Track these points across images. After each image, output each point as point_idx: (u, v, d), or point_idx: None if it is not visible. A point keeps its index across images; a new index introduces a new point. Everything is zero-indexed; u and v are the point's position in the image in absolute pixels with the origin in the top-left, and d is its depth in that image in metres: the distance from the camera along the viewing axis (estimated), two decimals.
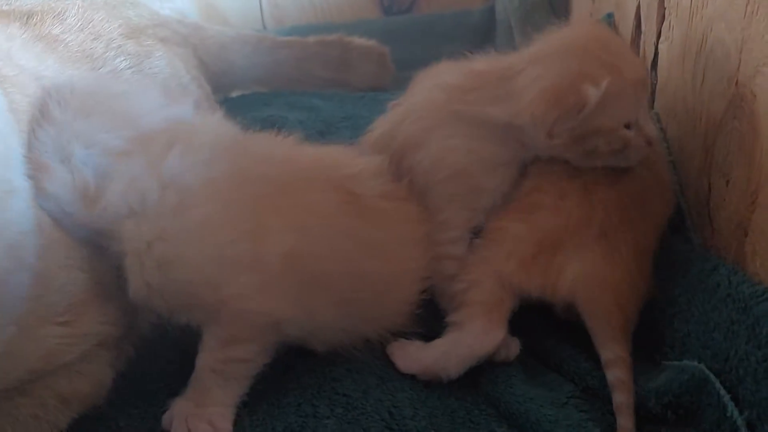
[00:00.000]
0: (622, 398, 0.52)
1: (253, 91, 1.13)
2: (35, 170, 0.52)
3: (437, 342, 0.56)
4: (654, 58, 0.74)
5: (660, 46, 0.72)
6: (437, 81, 0.63)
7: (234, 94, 1.14)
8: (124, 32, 0.77)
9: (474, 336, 0.55)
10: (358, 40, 1.13)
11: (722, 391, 0.48)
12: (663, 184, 0.61)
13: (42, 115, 0.54)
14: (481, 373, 0.56)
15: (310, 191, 0.56)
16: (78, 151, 0.52)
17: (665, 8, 0.70)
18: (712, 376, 0.48)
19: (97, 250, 0.56)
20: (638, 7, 0.79)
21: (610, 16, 0.89)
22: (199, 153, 0.54)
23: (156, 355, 0.58)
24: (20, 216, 0.50)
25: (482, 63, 0.63)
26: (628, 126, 0.56)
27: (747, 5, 0.52)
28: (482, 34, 1.24)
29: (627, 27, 0.83)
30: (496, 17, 1.22)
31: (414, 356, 0.56)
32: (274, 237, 0.52)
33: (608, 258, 0.56)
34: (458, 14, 1.25)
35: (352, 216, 0.56)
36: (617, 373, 0.53)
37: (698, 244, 0.61)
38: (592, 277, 0.56)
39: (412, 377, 0.55)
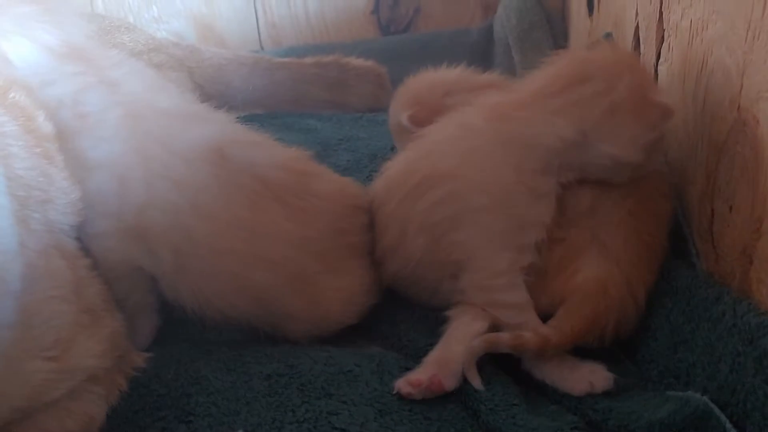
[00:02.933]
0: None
1: (250, 113, 1.12)
2: None
3: None
4: (655, 79, 0.73)
5: (659, 67, 0.71)
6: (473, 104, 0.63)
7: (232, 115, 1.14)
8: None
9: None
10: (355, 61, 1.12)
11: (728, 425, 0.47)
12: (664, 182, 0.63)
13: None
14: (481, 402, 0.55)
15: None
16: None
17: (664, 29, 0.70)
18: (716, 409, 0.47)
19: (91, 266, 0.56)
20: (637, 28, 0.78)
21: (608, 35, 0.88)
22: None
23: (149, 389, 0.56)
24: (4, 234, 0.48)
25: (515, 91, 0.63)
26: None
27: (748, 30, 0.51)
28: (480, 52, 1.23)
29: (625, 47, 0.82)
30: (494, 36, 1.21)
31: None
32: None
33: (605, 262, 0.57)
34: (456, 33, 1.24)
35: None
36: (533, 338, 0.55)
37: (702, 271, 0.59)
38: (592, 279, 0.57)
39: (410, 409, 0.54)
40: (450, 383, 0.55)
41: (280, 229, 0.59)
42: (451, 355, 0.57)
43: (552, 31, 1.14)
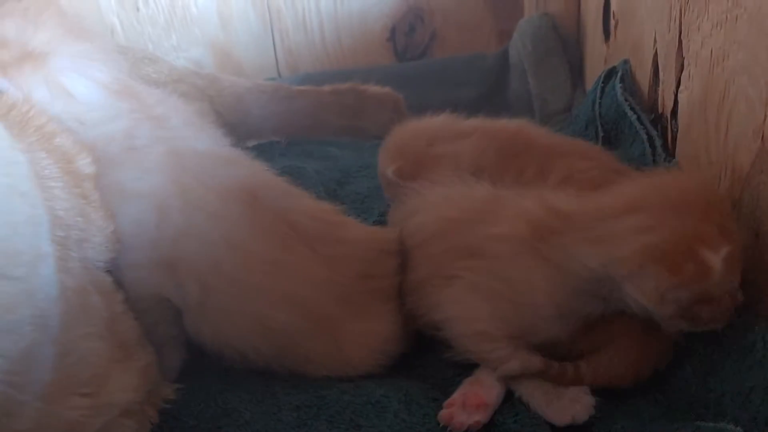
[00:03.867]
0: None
1: (269, 140, 1.13)
2: None
3: None
4: (674, 107, 0.73)
5: (680, 95, 0.72)
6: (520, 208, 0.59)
7: (250, 143, 1.15)
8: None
9: None
10: (373, 88, 1.14)
11: None
12: None
13: None
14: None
15: None
16: None
17: (684, 57, 0.70)
18: None
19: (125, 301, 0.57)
20: (655, 55, 0.78)
21: (626, 62, 0.89)
22: None
23: (179, 420, 0.57)
24: (48, 283, 0.49)
25: (568, 201, 0.57)
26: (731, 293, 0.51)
27: None
28: (496, 77, 1.24)
29: (643, 74, 0.83)
30: (510, 61, 1.22)
31: None
32: None
33: None
34: (472, 58, 1.25)
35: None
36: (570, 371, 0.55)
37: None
38: None
39: None
40: (488, 396, 0.56)
41: (307, 271, 0.60)
42: (483, 376, 0.57)
43: (568, 56, 1.14)
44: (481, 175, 0.66)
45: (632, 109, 0.80)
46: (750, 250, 0.57)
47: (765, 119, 0.53)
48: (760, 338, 0.50)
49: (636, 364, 0.56)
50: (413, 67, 1.27)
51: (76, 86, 0.60)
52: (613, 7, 0.96)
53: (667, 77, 0.75)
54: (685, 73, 0.70)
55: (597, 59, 1.06)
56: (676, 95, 0.73)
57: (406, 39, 1.29)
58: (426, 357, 0.63)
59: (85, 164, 0.58)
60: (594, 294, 0.54)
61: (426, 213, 0.65)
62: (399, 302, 0.64)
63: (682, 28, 0.70)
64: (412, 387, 0.60)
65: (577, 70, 1.15)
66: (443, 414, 0.55)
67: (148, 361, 0.58)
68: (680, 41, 0.71)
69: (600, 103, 0.87)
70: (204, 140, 0.67)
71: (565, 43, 1.15)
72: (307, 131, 1.13)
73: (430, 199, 0.65)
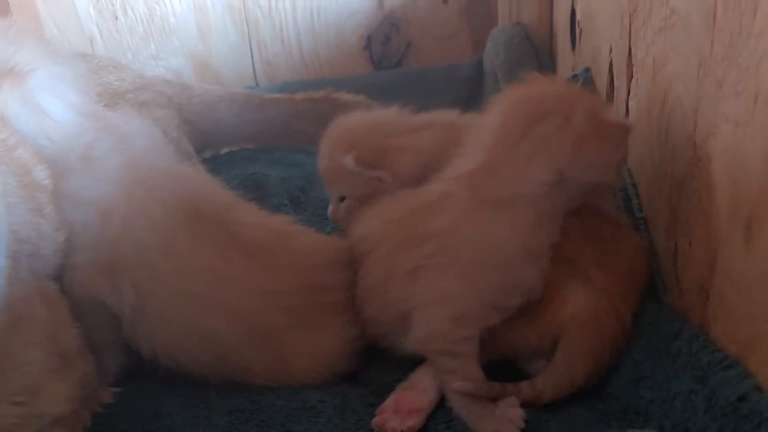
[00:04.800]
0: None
1: (241, 148, 1.14)
2: None
3: None
4: (626, 114, 0.73)
5: (630, 102, 0.72)
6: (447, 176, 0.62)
7: (224, 150, 1.16)
8: (102, 100, 0.79)
9: None
10: (346, 96, 1.14)
11: None
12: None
13: None
14: None
15: None
16: None
17: (633, 65, 0.70)
18: None
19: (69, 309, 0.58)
20: (611, 63, 0.79)
21: (587, 70, 0.89)
22: None
23: (112, 425, 0.57)
24: None
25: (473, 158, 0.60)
26: None
27: (699, 67, 0.52)
28: (471, 87, 1.25)
29: (602, 81, 0.83)
30: (484, 70, 1.22)
31: None
32: None
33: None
34: (447, 68, 1.26)
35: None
36: (526, 389, 0.56)
37: (667, 306, 0.59)
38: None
39: None
40: (421, 401, 0.56)
41: (246, 281, 0.60)
42: (417, 380, 0.57)
43: (540, 65, 1.15)
44: (439, 169, 0.66)
45: None
46: (685, 258, 0.57)
47: (695, 127, 0.53)
48: (686, 345, 0.50)
49: (594, 355, 0.56)
50: (389, 75, 1.28)
51: (50, 105, 0.62)
52: (578, 15, 0.97)
53: (620, 84, 0.76)
54: (633, 80, 0.70)
55: (566, 67, 1.06)
56: (627, 102, 0.73)
57: (382, 48, 1.30)
58: (367, 362, 0.63)
59: (41, 176, 0.60)
60: (549, 208, 0.57)
61: (368, 221, 0.65)
62: (350, 317, 0.64)
63: (632, 35, 0.70)
64: (349, 392, 0.60)
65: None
66: (376, 421, 0.55)
67: (86, 370, 0.58)
68: (630, 49, 0.71)
69: None
70: (163, 158, 0.69)
71: (537, 52, 1.15)
72: (280, 139, 1.13)
73: (373, 209, 0.65)
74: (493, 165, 0.59)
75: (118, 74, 0.88)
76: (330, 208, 0.73)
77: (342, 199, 0.72)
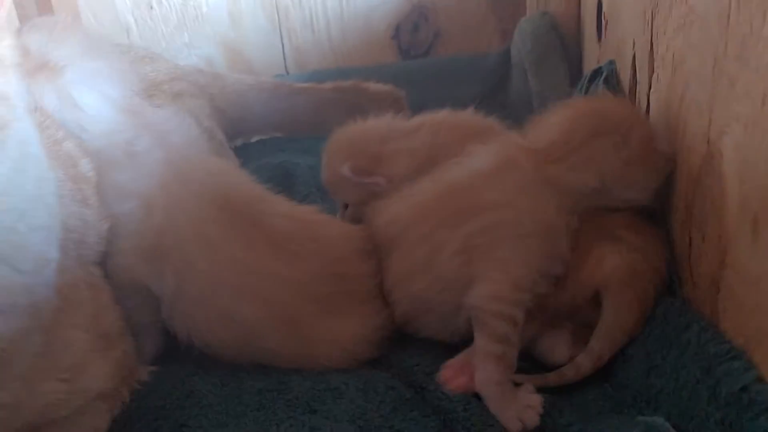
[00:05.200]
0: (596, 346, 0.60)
1: (272, 136, 1.17)
2: None
3: None
4: (647, 108, 0.74)
5: (651, 96, 0.73)
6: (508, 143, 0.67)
7: (254, 139, 1.19)
8: (138, 91, 0.82)
9: None
10: (374, 86, 1.16)
11: None
12: None
13: None
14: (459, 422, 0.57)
15: None
16: None
17: (654, 60, 0.71)
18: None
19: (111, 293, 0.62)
20: (634, 57, 0.80)
21: (611, 63, 0.90)
22: None
23: (147, 401, 0.60)
24: (47, 282, 0.55)
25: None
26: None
27: (714, 66, 0.53)
28: (498, 76, 1.26)
29: (626, 75, 0.84)
30: (511, 60, 1.23)
31: None
32: None
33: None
34: (474, 57, 1.27)
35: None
36: (585, 362, 0.60)
37: (680, 298, 0.61)
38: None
39: (391, 426, 0.57)
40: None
41: (273, 270, 0.63)
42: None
43: (567, 55, 1.15)
44: (433, 164, 0.69)
45: None
46: (699, 251, 0.58)
47: (710, 124, 0.55)
48: (695, 335, 0.52)
49: (638, 307, 0.60)
50: (416, 65, 1.29)
51: (84, 99, 0.66)
52: (605, 7, 0.97)
53: (641, 78, 0.77)
54: (654, 75, 0.71)
55: (592, 58, 1.07)
56: (648, 96, 0.74)
57: (410, 37, 1.31)
58: (389, 347, 0.66)
59: (86, 168, 0.65)
60: (584, 206, 0.63)
61: (392, 206, 0.68)
62: (375, 306, 0.66)
63: (654, 30, 0.71)
64: (372, 376, 0.62)
65: (576, 69, 1.15)
66: (444, 373, 0.60)
67: (126, 350, 0.62)
68: (652, 44, 0.72)
69: None
70: (197, 153, 0.73)
71: (564, 42, 1.15)
72: (308, 128, 1.16)
73: (392, 197, 0.68)
74: (558, 153, 0.63)
75: (153, 65, 0.91)
76: (338, 215, 0.77)
77: (346, 206, 0.75)
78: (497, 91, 1.26)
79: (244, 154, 1.07)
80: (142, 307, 0.65)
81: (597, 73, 0.90)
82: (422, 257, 0.64)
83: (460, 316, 0.63)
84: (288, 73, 1.34)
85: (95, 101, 0.66)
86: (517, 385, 0.59)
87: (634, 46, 0.79)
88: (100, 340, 0.59)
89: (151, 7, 1.30)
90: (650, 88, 0.73)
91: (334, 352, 0.63)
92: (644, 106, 0.75)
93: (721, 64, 0.52)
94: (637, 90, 0.79)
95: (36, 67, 0.65)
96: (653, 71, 0.72)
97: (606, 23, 0.97)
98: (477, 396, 0.59)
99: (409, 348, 0.66)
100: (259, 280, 0.63)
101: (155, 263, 0.63)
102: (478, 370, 0.59)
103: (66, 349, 0.55)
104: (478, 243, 0.62)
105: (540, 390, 0.59)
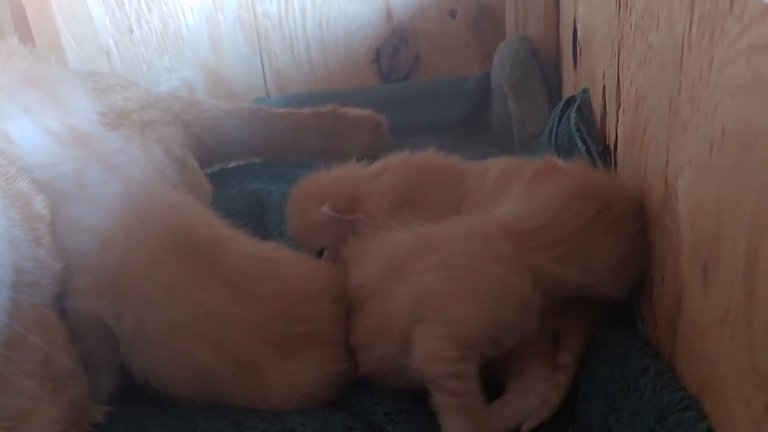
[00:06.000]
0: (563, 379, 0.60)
1: (249, 162, 1.16)
2: None
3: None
4: (615, 140, 0.74)
5: (618, 128, 0.72)
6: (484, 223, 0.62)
7: (232, 164, 1.18)
8: (102, 120, 0.81)
9: None
10: (353, 111, 1.16)
11: None
12: None
13: None
14: None
15: None
16: None
17: (621, 93, 0.71)
18: None
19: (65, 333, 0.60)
20: (604, 87, 0.79)
21: (585, 91, 0.89)
22: None
23: None
24: None
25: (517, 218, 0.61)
26: None
27: (670, 105, 0.52)
28: (478, 100, 1.26)
29: (597, 104, 0.83)
30: (492, 84, 1.23)
31: None
32: None
33: None
34: (455, 81, 1.27)
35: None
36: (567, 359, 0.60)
37: (642, 339, 0.60)
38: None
39: None
40: None
41: (229, 312, 0.62)
42: None
43: (546, 80, 1.15)
44: (408, 206, 0.69)
45: (582, 140, 0.80)
46: (658, 292, 0.57)
47: (667, 164, 0.54)
48: (651, 381, 0.51)
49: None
50: (397, 88, 1.29)
51: (17, 131, 0.63)
52: (579, 35, 0.97)
53: (610, 110, 0.76)
54: (620, 108, 0.71)
55: (570, 84, 1.06)
56: (616, 129, 0.73)
57: (390, 61, 1.31)
58: (349, 387, 0.65)
59: (40, 206, 0.63)
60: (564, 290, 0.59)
61: (366, 268, 0.65)
62: (334, 350, 0.65)
63: (620, 63, 0.71)
64: (331, 416, 0.61)
65: (555, 93, 1.15)
66: None
67: (78, 392, 0.61)
68: (618, 76, 0.71)
69: (556, 132, 0.88)
70: (157, 187, 0.71)
71: (543, 67, 1.15)
72: (286, 153, 1.15)
73: (369, 256, 0.66)
74: (545, 242, 0.58)
75: (123, 93, 0.90)
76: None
77: (320, 253, 0.75)
78: (478, 115, 1.26)
79: (221, 179, 1.07)
80: (100, 345, 0.64)
81: (571, 101, 0.90)
82: (379, 319, 0.62)
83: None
84: (269, 96, 1.33)
85: (29, 133, 0.64)
86: None
87: (604, 77, 0.79)
88: (49, 384, 0.57)
89: (132, 31, 1.30)
90: (617, 120, 0.72)
91: (291, 395, 0.62)
92: (613, 138, 0.74)
93: (676, 105, 0.51)
94: (607, 121, 0.78)
95: None
96: (619, 104, 0.71)
97: (580, 51, 0.96)
98: None
99: (369, 387, 0.64)
100: (216, 324, 0.62)
101: (113, 302, 0.62)
102: (445, 427, 0.57)
103: (11, 396, 0.54)
104: (432, 293, 0.59)
105: None
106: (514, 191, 0.64)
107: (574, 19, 1.00)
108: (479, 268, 0.59)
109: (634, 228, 0.59)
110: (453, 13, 1.28)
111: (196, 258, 0.63)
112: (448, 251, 0.61)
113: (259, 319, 0.63)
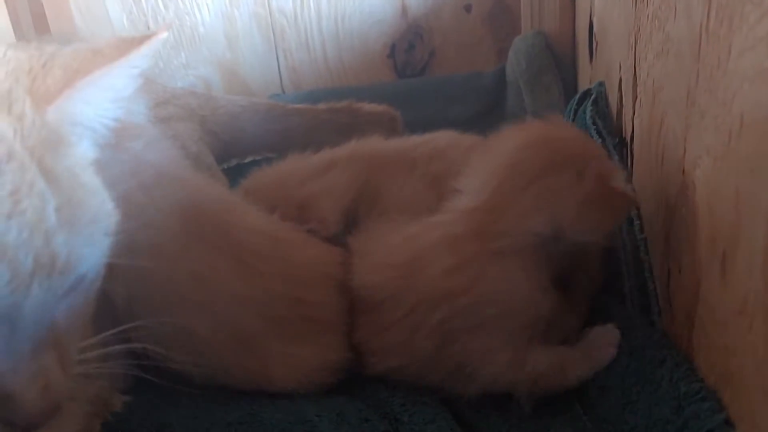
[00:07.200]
0: None
1: (265, 157, 1.17)
2: None
3: None
4: (632, 133, 0.73)
5: (635, 121, 0.72)
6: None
7: (248, 159, 1.19)
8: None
9: None
10: (368, 106, 1.15)
11: None
12: None
13: None
14: None
15: None
16: None
17: (637, 85, 0.70)
18: None
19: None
20: (620, 80, 0.79)
21: (601, 84, 0.89)
22: None
23: None
24: None
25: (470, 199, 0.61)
26: None
27: (688, 95, 0.52)
28: (493, 95, 1.25)
29: (613, 97, 0.83)
30: (506, 79, 1.23)
31: None
32: None
33: None
34: (470, 76, 1.26)
35: None
36: None
37: (659, 330, 0.59)
38: None
39: None
40: None
41: (229, 286, 0.62)
42: None
43: (562, 74, 1.14)
44: (361, 201, 0.68)
45: (598, 133, 0.80)
46: (676, 283, 0.57)
47: (685, 153, 0.54)
48: (668, 373, 0.51)
49: None
50: (412, 84, 1.29)
51: None
52: (595, 28, 0.97)
53: (627, 102, 0.76)
54: (637, 101, 0.70)
55: (586, 78, 1.06)
56: (633, 121, 0.73)
57: (405, 56, 1.31)
58: (364, 377, 0.65)
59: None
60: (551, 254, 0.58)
61: (373, 268, 0.64)
62: (335, 339, 0.64)
63: (636, 55, 0.70)
64: (346, 407, 0.61)
65: (571, 88, 1.14)
66: None
67: (102, 384, 0.60)
68: (635, 69, 0.71)
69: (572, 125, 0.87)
70: (171, 165, 0.69)
71: (559, 61, 1.15)
72: (302, 148, 1.15)
73: (372, 254, 0.65)
74: (498, 208, 0.58)
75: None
76: None
77: None
78: (493, 110, 1.25)
79: (233, 176, 1.07)
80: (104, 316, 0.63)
81: (586, 94, 0.90)
82: (403, 335, 0.61)
83: (446, 386, 0.61)
84: (284, 92, 1.34)
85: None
86: None
87: (620, 70, 0.79)
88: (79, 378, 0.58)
89: (148, 28, 1.31)
90: (634, 113, 0.72)
91: (290, 376, 0.62)
92: (629, 130, 0.74)
93: (694, 95, 0.51)
94: (623, 114, 0.78)
95: None
96: (636, 96, 0.71)
97: (596, 44, 0.96)
98: (451, 429, 0.58)
99: (384, 379, 0.64)
100: (215, 296, 0.61)
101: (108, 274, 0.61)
102: None
103: None
104: (450, 328, 0.58)
105: (516, 422, 0.58)
106: (467, 170, 0.63)
107: (590, 13, 0.99)
108: (476, 294, 0.58)
109: (595, 169, 0.57)
110: (468, 8, 1.27)
111: (205, 229, 0.62)
112: (445, 280, 0.59)
113: (260, 296, 0.62)
